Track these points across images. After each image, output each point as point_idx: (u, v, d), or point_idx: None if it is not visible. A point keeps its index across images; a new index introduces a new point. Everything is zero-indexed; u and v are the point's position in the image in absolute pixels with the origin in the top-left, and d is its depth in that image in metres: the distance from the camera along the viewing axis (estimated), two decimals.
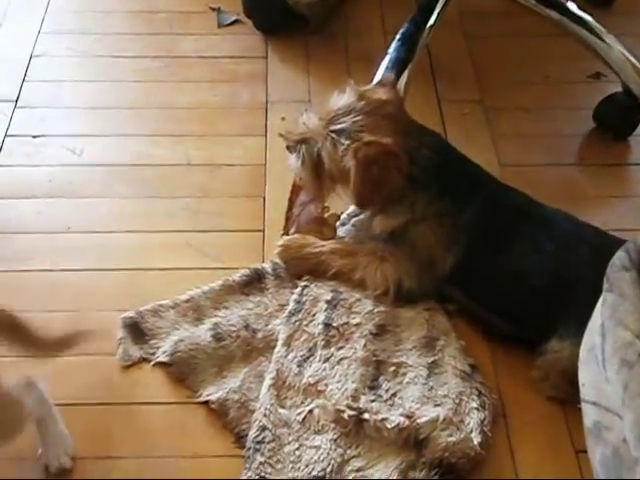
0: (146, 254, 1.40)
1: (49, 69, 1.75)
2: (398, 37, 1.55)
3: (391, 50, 1.54)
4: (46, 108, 1.66)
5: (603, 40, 1.59)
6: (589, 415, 0.77)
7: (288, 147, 1.36)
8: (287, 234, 1.40)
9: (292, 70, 1.77)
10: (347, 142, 1.27)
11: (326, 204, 1.42)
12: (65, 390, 1.20)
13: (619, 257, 0.80)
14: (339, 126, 1.29)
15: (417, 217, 1.29)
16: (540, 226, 1.27)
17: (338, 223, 1.42)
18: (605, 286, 0.80)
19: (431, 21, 1.58)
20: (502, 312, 1.26)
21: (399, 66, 1.51)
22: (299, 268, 1.35)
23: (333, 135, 1.29)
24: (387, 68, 1.52)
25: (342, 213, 1.43)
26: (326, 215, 1.42)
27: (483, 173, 1.34)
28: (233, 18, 1.87)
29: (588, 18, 1.60)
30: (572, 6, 1.61)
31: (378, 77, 1.49)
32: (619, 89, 1.63)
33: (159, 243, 1.42)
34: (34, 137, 1.59)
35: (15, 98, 1.67)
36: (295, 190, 1.45)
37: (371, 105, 1.30)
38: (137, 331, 1.27)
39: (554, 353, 1.19)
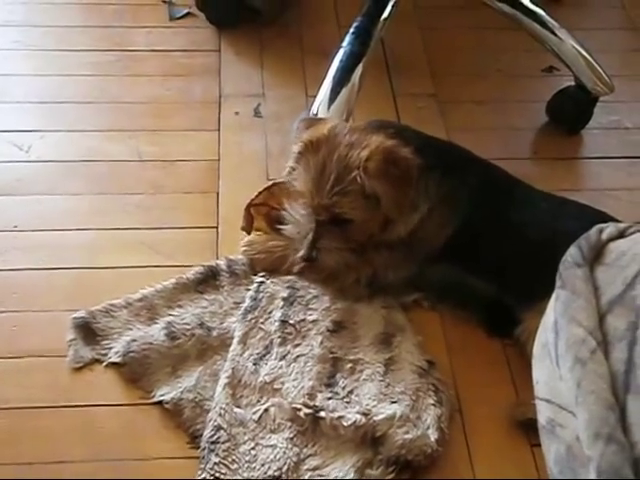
0: (97, 252, 1.37)
1: None
2: (352, 30, 1.54)
3: (345, 43, 1.52)
4: None
5: (555, 34, 1.59)
6: (543, 412, 0.77)
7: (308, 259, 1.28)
8: (249, 232, 1.37)
9: (245, 63, 1.75)
10: (353, 175, 1.22)
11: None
12: (15, 393, 1.18)
13: (571, 254, 0.80)
14: (335, 185, 1.23)
15: (433, 203, 1.26)
16: (530, 189, 1.34)
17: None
18: (558, 283, 0.79)
19: (385, 14, 1.57)
20: (490, 273, 1.25)
21: (353, 60, 1.50)
22: (264, 262, 1.33)
23: (337, 198, 1.23)
24: (341, 61, 1.51)
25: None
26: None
27: (461, 147, 1.36)
28: (185, 11, 1.84)
29: (540, 12, 1.61)
30: (525, 0, 1.62)
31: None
32: (572, 83, 1.64)
33: (111, 241, 1.39)
34: None
35: None
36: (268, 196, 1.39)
37: (329, 145, 1.25)
38: (88, 331, 1.24)
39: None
